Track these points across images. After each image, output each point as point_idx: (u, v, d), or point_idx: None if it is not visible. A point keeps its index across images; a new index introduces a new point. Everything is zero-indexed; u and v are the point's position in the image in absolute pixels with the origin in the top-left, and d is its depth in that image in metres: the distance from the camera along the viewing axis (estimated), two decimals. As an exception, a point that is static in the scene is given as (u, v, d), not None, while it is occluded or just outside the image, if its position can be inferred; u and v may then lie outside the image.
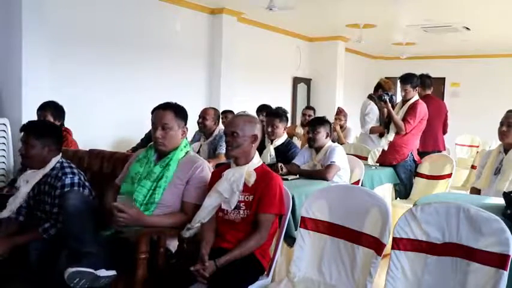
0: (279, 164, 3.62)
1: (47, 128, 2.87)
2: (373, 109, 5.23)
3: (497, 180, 3.14)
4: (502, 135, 3.22)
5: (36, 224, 2.63)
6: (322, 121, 3.81)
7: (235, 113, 5.22)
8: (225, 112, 5.78)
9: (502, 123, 3.22)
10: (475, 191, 3.35)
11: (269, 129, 4.02)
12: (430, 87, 5.37)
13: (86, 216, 2.36)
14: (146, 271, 2.33)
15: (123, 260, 2.35)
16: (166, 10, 6.07)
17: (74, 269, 2.15)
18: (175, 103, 2.66)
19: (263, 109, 5.57)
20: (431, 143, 5.21)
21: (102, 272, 2.24)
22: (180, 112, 2.61)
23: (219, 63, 6.80)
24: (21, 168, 3.28)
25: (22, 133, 2.73)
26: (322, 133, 3.72)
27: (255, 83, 7.65)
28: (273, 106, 5.20)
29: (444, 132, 5.61)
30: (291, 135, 5.63)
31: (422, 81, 5.10)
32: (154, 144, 2.61)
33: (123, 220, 2.32)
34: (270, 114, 4.14)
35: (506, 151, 3.23)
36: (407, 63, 9.77)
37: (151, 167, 2.57)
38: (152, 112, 2.62)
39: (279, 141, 4.05)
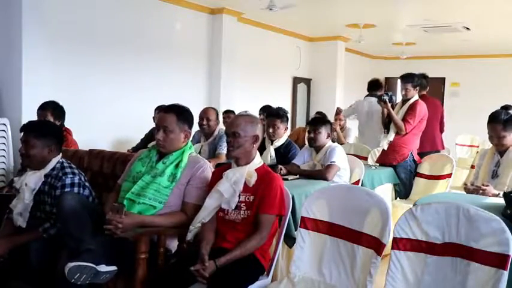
0: (279, 167, 3.62)
1: (48, 128, 2.86)
2: None
3: (495, 184, 3.15)
4: (496, 146, 3.25)
5: (36, 224, 2.63)
6: (323, 121, 3.82)
7: (236, 113, 5.23)
8: (227, 112, 5.78)
9: (491, 137, 3.23)
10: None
11: (270, 130, 4.02)
12: (426, 87, 5.38)
13: (82, 216, 2.36)
14: (146, 271, 2.33)
15: (123, 258, 2.35)
16: (166, 10, 6.08)
17: (75, 264, 2.15)
18: (181, 106, 2.66)
19: (266, 109, 5.58)
20: (429, 144, 5.21)
21: (103, 268, 2.24)
22: (182, 115, 2.61)
23: (219, 63, 6.80)
24: (21, 168, 3.27)
25: (22, 133, 2.73)
26: (323, 133, 3.73)
27: (255, 83, 7.65)
28: (273, 106, 5.21)
29: (441, 131, 5.62)
30: (298, 137, 5.63)
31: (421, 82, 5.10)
32: (156, 146, 2.64)
33: (119, 232, 2.32)
34: (271, 115, 4.13)
35: (501, 153, 3.24)
36: (407, 63, 9.77)
37: (153, 166, 2.58)
38: (157, 111, 2.63)
39: (279, 142, 4.05)
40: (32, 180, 2.67)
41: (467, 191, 3.18)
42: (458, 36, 8.16)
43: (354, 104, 5.99)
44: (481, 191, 3.00)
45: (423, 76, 5.31)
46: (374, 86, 5.70)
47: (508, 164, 3.17)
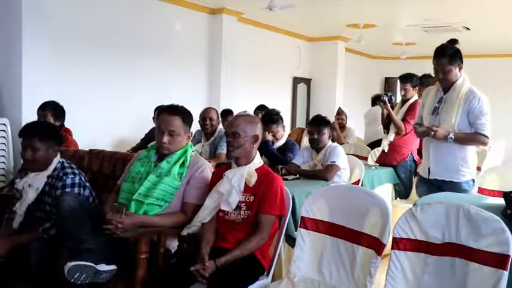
0: (279, 166, 3.63)
1: (49, 129, 2.85)
2: None
3: (434, 122, 3.10)
4: (441, 81, 3.13)
5: (36, 224, 2.62)
6: (326, 122, 3.82)
7: (236, 113, 5.22)
8: (225, 112, 5.77)
9: (437, 71, 3.13)
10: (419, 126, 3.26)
11: (270, 137, 4.03)
12: None
13: (82, 216, 2.36)
14: (146, 271, 2.33)
15: (123, 258, 2.35)
16: (166, 10, 6.07)
17: (74, 263, 2.14)
18: (182, 107, 2.64)
19: (262, 108, 5.60)
20: None
21: (103, 267, 2.24)
22: (186, 118, 2.61)
23: (219, 63, 6.80)
24: (21, 168, 3.27)
25: (22, 138, 2.67)
26: (326, 134, 3.74)
27: (255, 83, 7.65)
28: (273, 106, 5.21)
29: None
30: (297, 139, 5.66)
31: (423, 82, 5.10)
32: (159, 148, 2.61)
33: (119, 232, 2.32)
34: (266, 121, 4.06)
35: (445, 90, 3.14)
36: (407, 63, 9.75)
37: (152, 167, 2.58)
38: (157, 111, 2.62)
39: (279, 143, 4.07)
40: (36, 181, 2.66)
41: (418, 133, 3.19)
42: (458, 36, 8.11)
43: (366, 114, 6.45)
44: (432, 133, 3.00)
45: (428, 76, 5.31)
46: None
47: (451, 102, 3.07)
